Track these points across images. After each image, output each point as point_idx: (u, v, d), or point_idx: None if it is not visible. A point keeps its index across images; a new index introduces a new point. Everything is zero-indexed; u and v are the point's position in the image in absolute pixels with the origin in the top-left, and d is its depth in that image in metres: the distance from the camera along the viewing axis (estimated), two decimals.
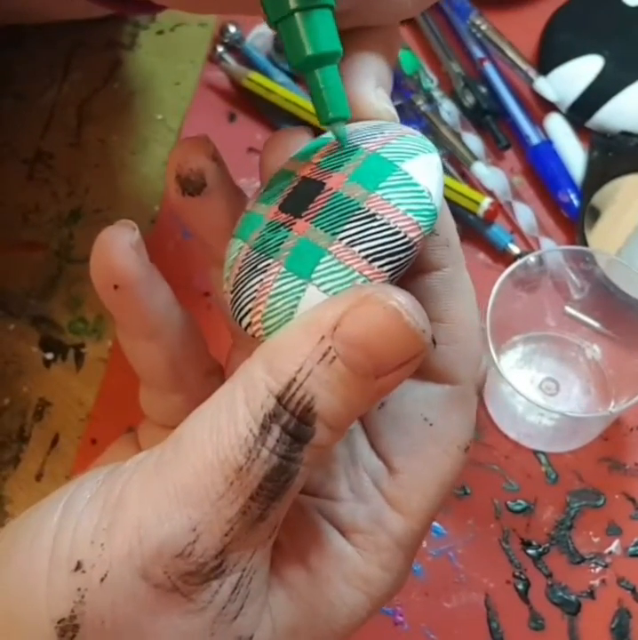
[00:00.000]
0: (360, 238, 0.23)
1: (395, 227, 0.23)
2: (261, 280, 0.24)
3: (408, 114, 0.50)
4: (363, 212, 0.23)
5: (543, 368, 0.44)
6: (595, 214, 0.47)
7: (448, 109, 0.51)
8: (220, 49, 0.54)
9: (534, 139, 0.50)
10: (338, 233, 0.23)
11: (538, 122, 0.50)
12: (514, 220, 0.48)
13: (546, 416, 0.40)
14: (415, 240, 0.23)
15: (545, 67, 0.52)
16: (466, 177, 0.49)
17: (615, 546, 0.41)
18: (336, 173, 0.25)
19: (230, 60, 0.54)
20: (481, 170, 0.48)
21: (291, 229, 0.24)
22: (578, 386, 0.44)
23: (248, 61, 0.54)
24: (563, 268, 0.42)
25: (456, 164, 0.49)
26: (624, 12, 0.52)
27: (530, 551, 0.41)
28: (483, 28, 0.52)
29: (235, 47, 0.54)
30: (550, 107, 0.51)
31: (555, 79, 0.51)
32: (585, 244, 0.46)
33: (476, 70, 0.53)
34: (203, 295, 0.47)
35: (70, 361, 0.46)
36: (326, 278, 0.23)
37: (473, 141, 0.49)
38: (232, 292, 0.25)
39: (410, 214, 0.23)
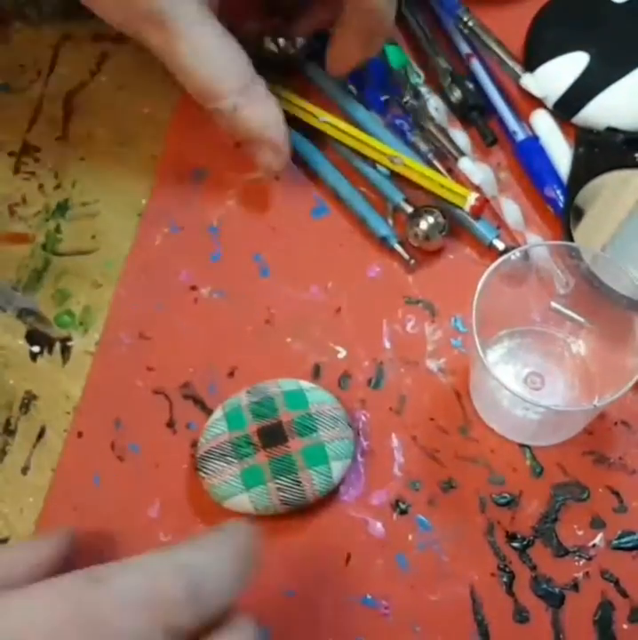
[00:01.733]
0: (285, 489, 0.40)
1: (305, 496, 0.41)
2: (225, 467, 0.41)
3: (395, 109, 0.51)
4: (295, 477, 0.40)
5: (528, 362, 0.44)
6: (581, 210, 0.47)
7: (435, 105, 0.51)
8: None
9: (520, 134, 0.50)
10: (277, 478, 0.40)
11: (524, 118, 0.51)
12: (501, 216, 0.48)
13: (531, 410, 0.40)
14: (311, 500, 0.41)
15: (531, 63, 0.52)
16: (452, 172, 0.49)
17: (599, 539, 0.41)
18: (299, 438, 0.41)
19: None
20: (468, 165, 0.48)
21: (256, 453, 0.41)
22: (563, 380, 0.44)
23: None
24: (549, 263, 0.42)
25: (443, 159, 0.49)
26: (610, 8, 0.52)
27: (515, 544, 0.41)
28: (470, 24, 0.52)
29: None
30: (536, 103, 0.51)
31: (542, 75, 0.51)
32: (570, 239, 0.46)
33: (463, 66, 0.53)
34: (190, 289, 0.47)
35: (57, 354, 0.46)
36: (255, 497, 0.40)
37: (459, 137, 0.50)
38: (205, 452, 0.42)
39: (316, 488, 0.41)
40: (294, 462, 0.41)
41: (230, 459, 0.41)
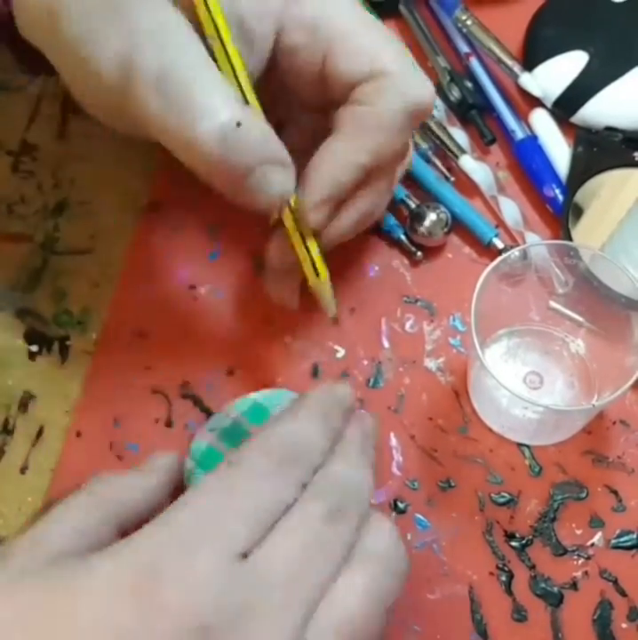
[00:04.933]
0: None
1: None
2: None
3: None
4: None
5: (527, 362, 0.44)
6: (580, 209, 0.47)
7: (435, 103, 0.51)
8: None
9: (519, 134, 0.50)
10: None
11: (523, 117, 0.51)
12: (499, 215, 0.48)
13: (530, 409, 0.40)
14: None
15: (530, 62, 0.52)
16: (452, 171, 0.49)
17: (597, 538, 0.41)
18: (250, 434, 0.39)
19: None
20: (468, 163, 0.48)
21: None
22: (562, 379, 0.44)
23: None
24: (548, 262, 0.42)
25: (443, 157, 0.49)
26: (609, 8, 0.52)
27: (514, 543, 0.41)
28: (469, 23, 0.52)
29: None
30: (535, 102, 0.51)
31: (540, 75, 0.51)
32: (569, 238, 0.46)
33: (462, 65, 0.53)
34: (189, 288, 0.47)
35: (55, 353, 0.46)
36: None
37: (458, 136, 0.50)
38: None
39: None
40: None
41: None
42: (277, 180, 0.36)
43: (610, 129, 0.49)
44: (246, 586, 0.29)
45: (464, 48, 0.53)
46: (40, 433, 0.44)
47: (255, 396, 0.42)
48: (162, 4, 0.36)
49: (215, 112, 0.34)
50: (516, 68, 0.51)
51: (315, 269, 0.40)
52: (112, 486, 0.35)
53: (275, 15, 0.38)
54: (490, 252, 0.47)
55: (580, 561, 0.41)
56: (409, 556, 0.38)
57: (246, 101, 0.37)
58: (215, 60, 0.36)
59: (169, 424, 0.44)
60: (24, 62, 0.44)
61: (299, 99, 0.42)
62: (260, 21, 0.38)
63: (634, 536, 0.41)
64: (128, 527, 0.34)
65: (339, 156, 0.38)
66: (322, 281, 0.40)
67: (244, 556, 0.30)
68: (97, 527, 0.33)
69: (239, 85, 0.37)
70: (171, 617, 0.28)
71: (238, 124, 0.34)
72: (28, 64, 0.43)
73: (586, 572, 0.40)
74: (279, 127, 0.38)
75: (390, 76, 0.38)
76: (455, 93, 0.51)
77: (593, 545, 0.41)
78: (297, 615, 0.29)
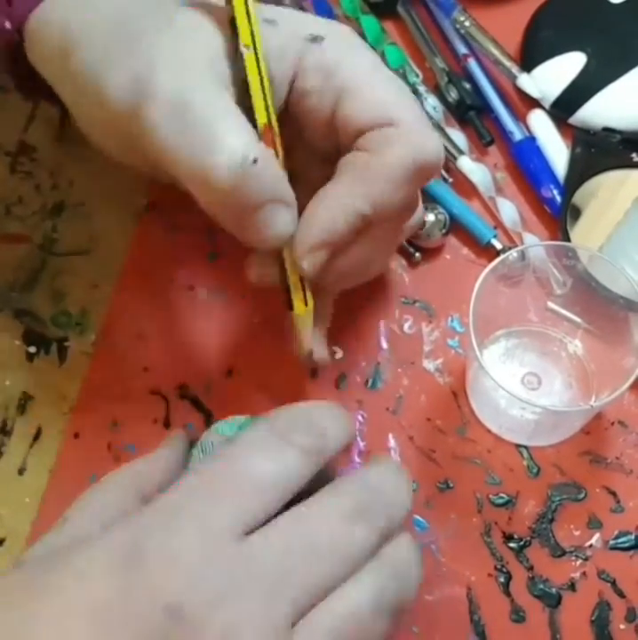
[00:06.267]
0: None
1: None
2: None
3: None
4: None
5: (525, 362, 0.44)
6: (578, 210, 0.47)
7: (433, 104, 0.51)
8: None
9: (517, 135, 0.50)
10: None
11: (521, 118, 0.51)
12: (498, 216, 0.48)
13: (528, 410, 0.40)
14: None
15: (528, 63, 0.52)
16: (451, 171, 0.49)
17: (595, 539, 0.41)
18: None
19: None
20: (466, 164, 0.48)
21: None
22: (560, 380, 0.44)
23: None
24: (546, 263, 0.42)
25: None
26: (607, 9, 0.52)
27: (512, 544, 0.41)
28: (467, 24, 0.52)
29: None
30: (533, 103, 0.51)
31: (539, 76, 0.51)
32: (567, 239, 0.46)
33: (460, 66, 0.53)
34: (188, 289, 0.47)
35: (53, 354, 0.46)
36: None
37: (457, 137, 0.50)
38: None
39: None
40: None
41: None
42: (282, 219, 0.36)
43: (608, 130, 0.49)
44: (232, 568, 0.28)
45: (462, 49, 0.53)
46: (38, 434, 0.44)
47: (238, 420, 0.39)
48: (180, 33, 0.36)
49: (235, 145, 0.33)
50: (514, 69, 0.51)
51: (305, 298, 0.39)
52: (131, 465, 0.36)
53: (295, 57, 0.38)
54: (488, 252, 0.47)
55: (578, 562, 0.41)
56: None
57: (269, 121, 0.36)
58: (245, 72, 0.36)
59: (167, 425, 0.44)
60: (23, 89, 0.44)
61: (309, 146, 0.41)
62: (281, 62, 0.37)
63: (633, 537, 0.41)
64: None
65: (337, 202, 0.37)
66: (308, 309, 0.39)
67: (243, 536, 0.29)
68: (125, 500, 0.33)
69: (265, 102, 0.36)
70: (145, 592, 0.28)
71: (255, 161, 0.33)
72: (28, 91, 0.44)
73: (584, 573, 0.40)
74: (289, 174, 0.37)
75: (399, 126, 0.37)
76: (453, 94, 0.51)
77: (591, 546, 0.41)
78: (282, 611, 0.28)
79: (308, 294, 0.39)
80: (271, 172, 0.35)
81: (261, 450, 0.31)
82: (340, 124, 0.38)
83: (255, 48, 0.36)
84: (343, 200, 0.37)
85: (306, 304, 0.39)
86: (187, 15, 0.37)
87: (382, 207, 0.37)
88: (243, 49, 0.36)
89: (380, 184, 0.37)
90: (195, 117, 0.34)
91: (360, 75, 0.38)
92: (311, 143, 0.40)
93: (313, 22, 0.39)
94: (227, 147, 0.33)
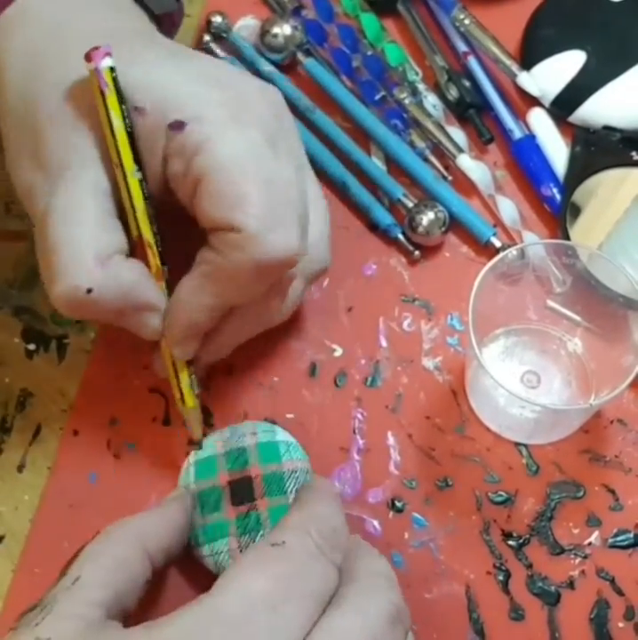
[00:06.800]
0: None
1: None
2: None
3: (392, 105, 0.50)
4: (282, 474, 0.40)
5: (524, 361, 0.44)
6: (578, 208, 0.47)
7: (433, 102, 0.51)
8: (207, 38, 0.54)
9: (517, 133, 0.50)
10: (286, 491, 0.39)
11: (521, 116, 0.51)
12: (497, 214, 0.48)
13: (528, 408, 0.40)
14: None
15: (528, 61, 0.52)
16: (450, 170, 0.49)
17: (594, 537, 0.41)
18: (249, 467, 0.40)
19: (217, 50, 0.54)
20: (466, 162, 0.48)
21: (256, 509, 0.39)
22: (559, 379, 0.44)
23: (234, 51, 0.54)
24: (545, 261, 0.42)
25: (440, 156, 0.49)
26: (606, 7, 0.52)
27: (511, 542, 0.41)
28: (467, 22, 0.52)
29: (221, 36, 0.54)
30: (533, 101, 0.51)
31: (538, 74, 0.51)
32: (567, 237, 0.46)
33: (460, 64, 0.53)
34: None
35: (52, 352, 0.46)
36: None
37: (456, 135, 0.50)
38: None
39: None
40: (274, 473, 0.40)
41: (258, 537, 0.38)
42: (146, 322, 0.38)
43: (607, 128, 0.49)
44: None
45: (462, 47, 0.53)
46: (37, 431, 0.44)
47: (280, 435, 0.42)
48: (72, 129, 0.37)
49: (69, 276, 0.35)
50: (514, 67, 0.51)
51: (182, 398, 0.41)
52: (137, 520, 0.36)
53: (163, 142, 0.37)
54: (487, 251, 0.47)
55: (577, 560, 0.41)
56: (406, 555, 0.38)
57: (139, 232, 0.38)
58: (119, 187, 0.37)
59: (166, 422, 0.44)
60: None
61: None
62: (150, 150, 0.37)
63: (631, 535, 0.41)
64: (156, 559, 0.35)
65: (192, 298, 0.38)
66: (188, 408, 0.41)
67: None
68: (133, 558, 0.34)
69: (135, 214, 0.37)
70: None
71: (89, 291, 0.35)
72: None
73: (582, 571, 0.40)
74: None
75: (244, 232, 0.35)
76: (453, 92, 0.51)
77: (590, 544, 0.41)
78: None
79: (188, 396, 0.41)
80: (113, 293, 0.36)
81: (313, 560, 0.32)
82: (196, 216, 0.37)
83: (121, 164, 0.36)
84: (196, 297, 0.38)
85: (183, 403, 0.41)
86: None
87: (234, 302, 0.39)
88: (113, 167, 0.37)
89: (229, 284, 0.37)
90: (46, 242, 0.36)
91: (219, 162, 0.35)
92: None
93: (188, 98, 0.36)
94: (61, 277, 0.35)
